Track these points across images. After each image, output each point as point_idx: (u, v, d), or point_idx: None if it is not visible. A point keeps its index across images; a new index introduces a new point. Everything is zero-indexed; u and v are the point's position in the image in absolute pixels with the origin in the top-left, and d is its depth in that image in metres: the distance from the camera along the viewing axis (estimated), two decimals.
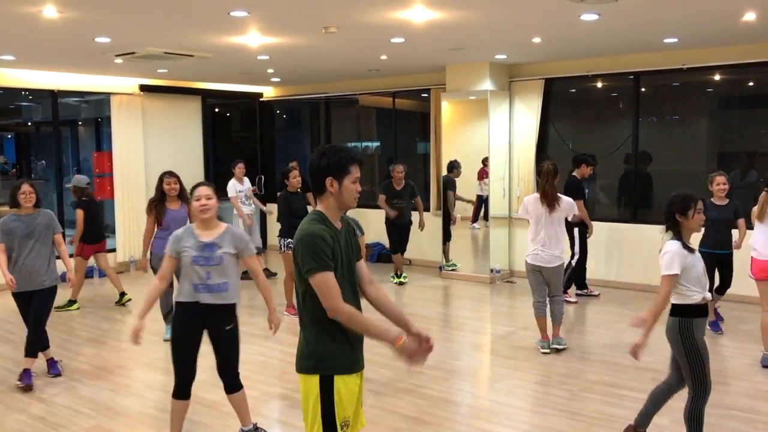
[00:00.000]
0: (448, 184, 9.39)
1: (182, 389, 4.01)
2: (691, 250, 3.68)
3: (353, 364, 2.78)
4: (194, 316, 3.92)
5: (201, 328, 3.97)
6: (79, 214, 7.62)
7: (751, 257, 5.72)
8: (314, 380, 2.72)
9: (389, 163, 9.99)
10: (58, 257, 5.46)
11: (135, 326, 3.85)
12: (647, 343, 3.70)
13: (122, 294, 8.04)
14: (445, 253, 9.61)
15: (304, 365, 2.76)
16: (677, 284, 3.67)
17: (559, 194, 5.91)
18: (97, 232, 7.82)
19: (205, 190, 3.94)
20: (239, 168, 9.52)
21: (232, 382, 4.12)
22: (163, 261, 3.99)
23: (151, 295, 3.93)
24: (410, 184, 8.99)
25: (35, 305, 5.27)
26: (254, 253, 4.09)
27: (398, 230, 9.04)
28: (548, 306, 6.03)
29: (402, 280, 9.07)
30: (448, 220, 9.53)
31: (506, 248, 9.45)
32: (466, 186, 9.56)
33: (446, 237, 9.59)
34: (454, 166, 9.33)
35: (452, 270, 9.52)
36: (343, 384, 2.73)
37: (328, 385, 2.71)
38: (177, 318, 3.99)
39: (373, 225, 9.86)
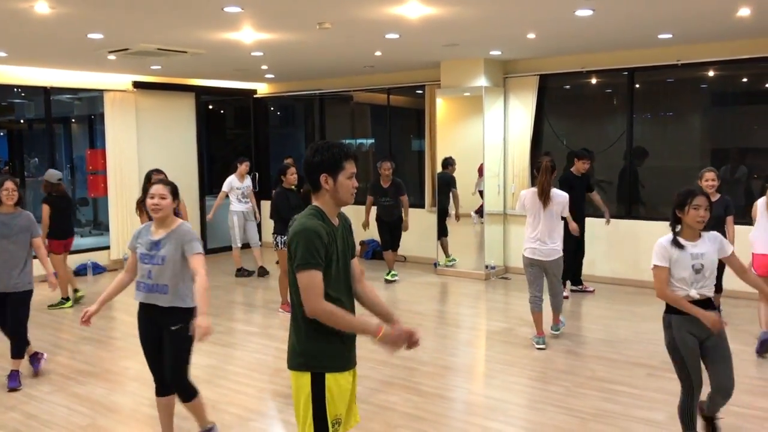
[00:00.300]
0: (452, 181, 9.33)
1: (159, 386, 3.98)
2: (680, 246, 3.66)
3: (345, 362, 2.77)
4: (145, 313, 3.88)
5: (155, 325, 3.86)
6: (45, 209, 7.51)
7: (752, 253, 5.74)
8: (306, 377, 2.71)
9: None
10: (34, 257, 5.35)
11: (89, 309, 3.86)
12: (706, 314, 3.61)
13: (75, 290, 8.00)
14: (444, 247, 9.59)
15: (296, 362, 2.75)
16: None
17: (554, 189, 5.98)
18: (64, 228, 7.73)
19: (160, 189, 3.82)
20: (245, 165, 9.52)
21: (181, 391, 3.93)
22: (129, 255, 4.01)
23: (114, 285, 3.96)
24: (398, 181, 8.87)
25: (11, 309, 5.17)
26: (198, 251, 3.80)
27: (389, 228, 8.97)
28: (546, 300, 6.15)
29: (389, 278, 8.96)
30: (444, 216, 9.50)
31: (501, 244, 9.45)
32: (464, 182, 9.50)
33: (443, 232, 9.58)
34: (449, 163, 9.30)
35: (451, 265, 9.51)
36: (334, 382, 2.71)
37: (319, 382, 2.69)
38: (138, 314, 3.95)
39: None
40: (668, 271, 3.67)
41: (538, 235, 5.92)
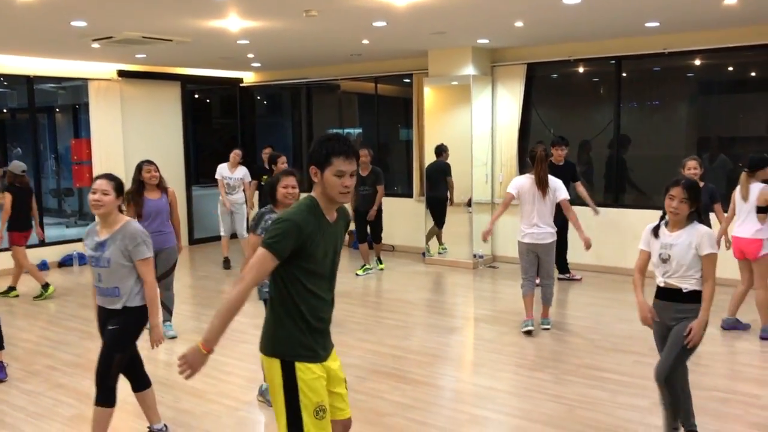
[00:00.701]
0: (447, 169, 9.21)
1: (131, 382, 3.95)
2: (655, 234, 3.77)
3: (314, 353, 2.70)
4: (100, 314, 3.80)
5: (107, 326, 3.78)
6: (7, 197, 7.52)
7: (733, 236, 5.83)
8: (276, 364, 2.66)
9: (376, 150, 9.82)
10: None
11: None
12: (640, 306, 3.83)
13: (11, 288, 7.90)
14: (439, 237, 9.56)
15: (266, 347, 2.72)
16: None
17: (549, 176, 6.08)
18: (24, 219, 7.70)
19: (102, 185, 3.60)
20: (234, 154, 9.38)
21: (97, 390, 3.70)
22: None
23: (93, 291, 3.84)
24: (377, 170, 8.61)
25: None
26: (145, 256, 3.66)
27: (367, 219, 8.70)
28: (537, 288, 6.24)
29: (360, 272, 8.73)
30: (441, 204, 9.38)
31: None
32: (453, 170, 9.43)
33: (441, 222, 9.46)
34: (442, 150, 9.20)
35: (443, 253, 9.50)
36: (306, 371, 2.65)
37: (289, 370, 2.64)
38: (97, 314, 3.88)
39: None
40: (648, 255, 3.85)
41: (534, 220, 6.02)
